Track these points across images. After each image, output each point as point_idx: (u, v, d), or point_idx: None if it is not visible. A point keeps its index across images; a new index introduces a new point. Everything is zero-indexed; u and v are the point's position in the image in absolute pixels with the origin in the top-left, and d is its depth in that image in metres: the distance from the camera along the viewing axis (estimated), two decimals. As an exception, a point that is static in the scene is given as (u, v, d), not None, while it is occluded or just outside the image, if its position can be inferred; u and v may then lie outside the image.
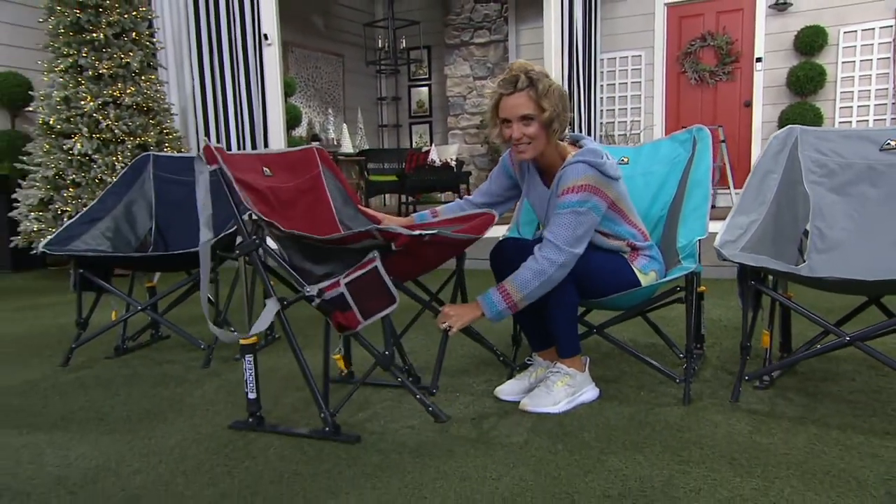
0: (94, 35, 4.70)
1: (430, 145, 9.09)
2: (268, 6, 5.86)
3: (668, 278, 2.02)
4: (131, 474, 1.66)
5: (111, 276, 2.72)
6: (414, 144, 10.17)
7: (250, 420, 1.93)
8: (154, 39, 5.20)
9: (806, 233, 2.19)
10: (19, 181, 4.93)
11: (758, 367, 2.18)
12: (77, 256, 2.54)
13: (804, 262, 2.14)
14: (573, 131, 6.86)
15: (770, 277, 2.10)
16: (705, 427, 1.82)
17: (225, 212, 2.68)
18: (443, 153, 8.63)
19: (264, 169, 1.97)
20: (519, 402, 2.04)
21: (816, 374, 2.28)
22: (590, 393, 2.08)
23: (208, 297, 2.81)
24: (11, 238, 4.87)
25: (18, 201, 4.76)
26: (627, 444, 1.73)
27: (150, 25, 5.20)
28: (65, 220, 4.57)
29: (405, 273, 1.98)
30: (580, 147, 2.00)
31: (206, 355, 2.59)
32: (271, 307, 1.81)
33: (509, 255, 2.06)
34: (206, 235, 1.85)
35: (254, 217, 1.81)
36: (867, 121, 6.87)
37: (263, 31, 5.88)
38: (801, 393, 2.08)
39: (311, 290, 1.75)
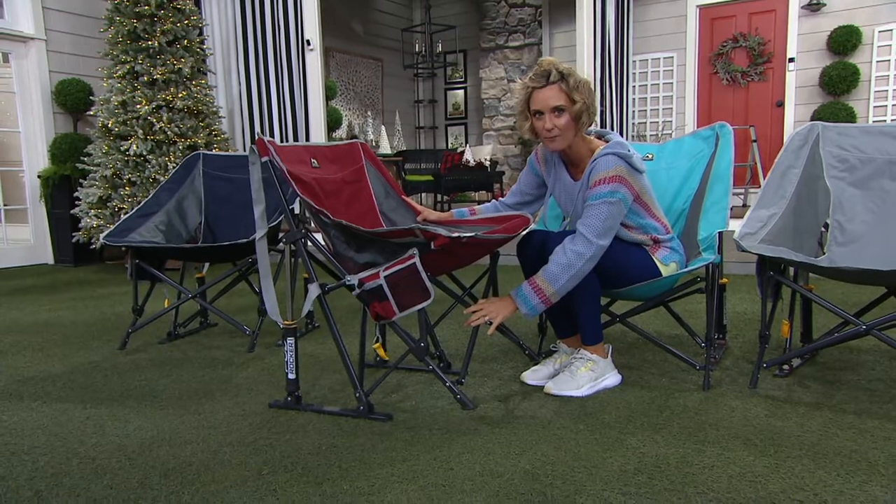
0: (150, 43, 4.97)
1: (466, 146, 9.21)
2: (310, 13, 6.07)
3: (687, 269, 2.10)
4: (183, 444, 1.82)
5: (164, 267, 2.91)
6: (449, 145, 10.32)
7: (289, 399, 2.07)
8: (204, 46, 5.44)
9: (826, 226, 2.23)
10: (80, 180, 5.24)
11: (779, 356, 2.23)
12: (133, 247, 2.73)
13: (824, 254, 2.18)
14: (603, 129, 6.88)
15: (790, 269, 2.15)
16: (722, 411, 1.89)
17: (269, 204, 2.86)
18: (477, 153, 8.75)
19: (312, 160, 2.11)
20: (543, 386, 2.14)
21: (836, 363, 2.32)
22: (612, 379, 2.17)
23: (251, 286, 3.00)
24: (73, 234, 5.17)
25: (80, 199, 5.06)
26: (646, 426, 1.81)
27: (201, 33, 5.45)
28: (121, 216, 4.84)
29: (440, 268, 2.10)
30: (607, 141, 2.10)
31: (251, 340, 2.76)
32: (313, 292, 1.95)
33: (536, 247, 2.16)
34: (261, 230, 1.99)
35: (302, 206, 1.94)
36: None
37: (306, 37, 6.09)
38: (820, 381, 2.13)
39: (352, 279, 1.88)
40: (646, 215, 2.14)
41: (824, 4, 6.93)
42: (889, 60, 6.74)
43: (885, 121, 6.84)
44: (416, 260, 1.83)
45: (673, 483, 1.48)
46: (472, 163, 8.02)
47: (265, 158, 1.98)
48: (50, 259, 5.83)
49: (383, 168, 2.44)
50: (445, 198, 8.15)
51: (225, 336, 3.06)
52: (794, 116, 7.26)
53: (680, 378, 2.21)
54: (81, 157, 5.23)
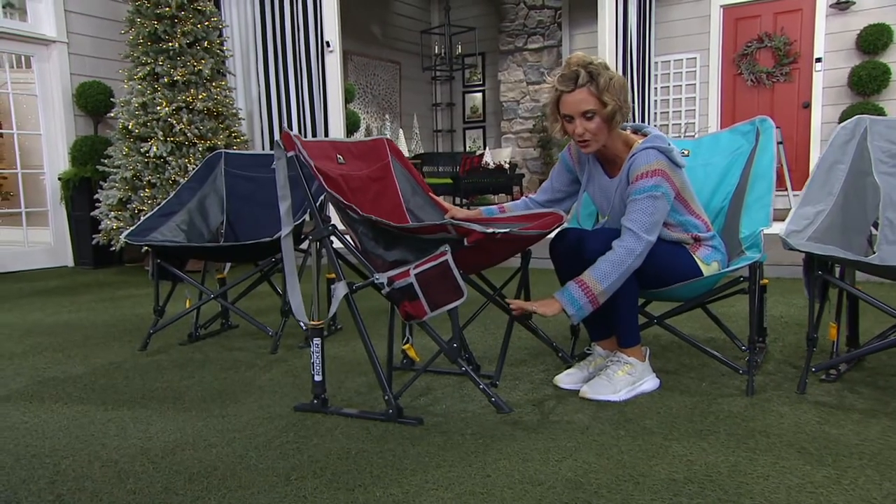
0: (170, 44, 4.95)
1: (484, 149, 9.15)
2: (330, 15, 6.04)
3: (731, 268, 2.01)
4: (207, 447, 1.76)
5: (185, 268, 2.86)
6: (467, 149, 10.27)
7: (315, 401, 2.00)
8: (224, 48, 5.43)
9: (876, 224, 2.13)
10: (100, 183, 5.22)
11: (824, 361, 2.13)
12: (155, 246, 2.68)
13: (874, 253, 2.08)
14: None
15: (836, 269, 2.05)
16: (771, 417, 1.80)
17: (294, 202, 2.80)
18: (496, 156, 8.69)
19: (338, 156, 2.05)
20: (578, 390, 2.06)
21: (885, 368, 2.21)
22: (650, 383, 2.08)
23: (273, 287, 2.93)
24: (93, 236, 5.15)
25: (100, 201, 5.04)
26: (691, 432, 1.72)
27: (220, 34, 5.43)
28: (141, 218, 4.81)
29: (470, 266, 2.02)
30: (644, 135, 2.01)
31: (274, 342, 2.70)
32: (340, 291, 1.88)
33: (570, 245, 2.08)
34: (286, 228, 1.93)
35: (326, 203, 1.88)
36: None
37: (325, 38, 6.06)
38: (871, 386, 2.03)
39: (381, 277, 1.81)
40: (686, 212, 2.05)
41: (853, 3, 6.80)
42: (921, 60, 6.60)
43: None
44: (448, 257, 1.75)
45: (727, 493, 1.39)
46: (491, 165, 7.95)
47: (291, 153, 1.92)
48: (70, 261, 5.83)
49: (410, 165, 2.37)
50: (465, 200, 8.08)
51: (247, 338, 3.00)
52: (822, 118, 7.12)
53: (721, 383, 2.12)
54: (102, 160, 5.22)
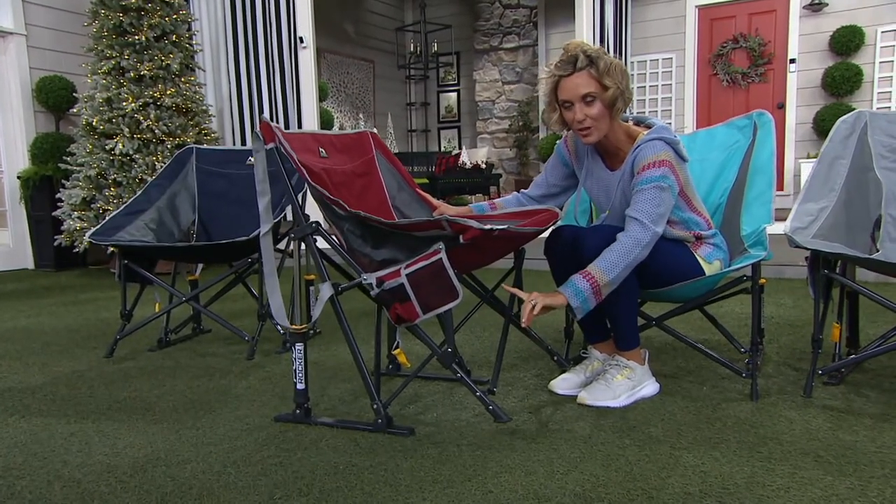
0: (137, 38, 4.75)
1: (460, 149, 9.06)
2: (303, 10, 5.88)
3: (735, 267, 1.93)
4: (181, 464, 1.61)
5: (154, 269, 2.70)
6: (442, 148, 10.17)
7: (297, 412, 1.87)
8: (193, 42, 5.23)
9: (878, 220, 2.07)
10: (63, 181, 4.99)
11: (825, 363, 2.06)
12: (122, 246, 2.52)
13: (877, 250, 2.02)
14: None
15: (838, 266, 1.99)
16: (780, 423, 1.72)
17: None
18: (473, 156, 8.60)
19: (320, 150, 1.92)
20: (575, 396, 1.96)
21: (888, 370, 2.15)
22: (650, 387, 1.99)
23: (249, 289, 2.77)
24: (55, 237, 4.91)
25: (62, 201, 4.81)
26: (699, 440, 1.63)
27: (189, 28, 5.24)
28: (106, 218, 4.60)
29: (462, 266, 1.91)
30: (648, 127, 1.92)
31: (251, 347, 2.55)
32: (325, 293, 1.75)
33: (566, 243, 1.98)
34: (266, 225, 1.80)
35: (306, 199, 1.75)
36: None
37: (299, 33, 5.90)
38: (877, 389, 1.97)
39: (369, 278, 1.69)
40: (688, 209, 1.96)
41: (826, 4, 6.85)
42: (892, 61, 6.68)
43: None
44: (443, 255, 1.64)
45: (748, 507, 1.30)
46: (468, 165, 7.85)
47: (270, 145, 1.78)
48: (30, 264, 5.57)
49: (395, 160, 2.25)
50: (441, 200, 7.98)
51: (220, 342, 2.85)
52: (796, 118, 7.17)
53: (723, 386, 2.04)
54: (64, 157, 4.98)
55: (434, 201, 2.17)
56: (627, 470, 1.48)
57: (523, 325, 1.73)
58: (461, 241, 1.62)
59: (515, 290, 1.85)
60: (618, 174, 1.94)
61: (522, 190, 2.22)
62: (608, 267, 1.78)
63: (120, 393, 2.18)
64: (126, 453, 1.69)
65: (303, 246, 1.98)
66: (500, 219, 2.06)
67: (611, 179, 1.98)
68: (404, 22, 10.07)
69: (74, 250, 4.82)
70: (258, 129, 1.78)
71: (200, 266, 2.95)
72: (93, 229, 2.51)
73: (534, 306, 1.72)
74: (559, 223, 2.10)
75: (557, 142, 2.16)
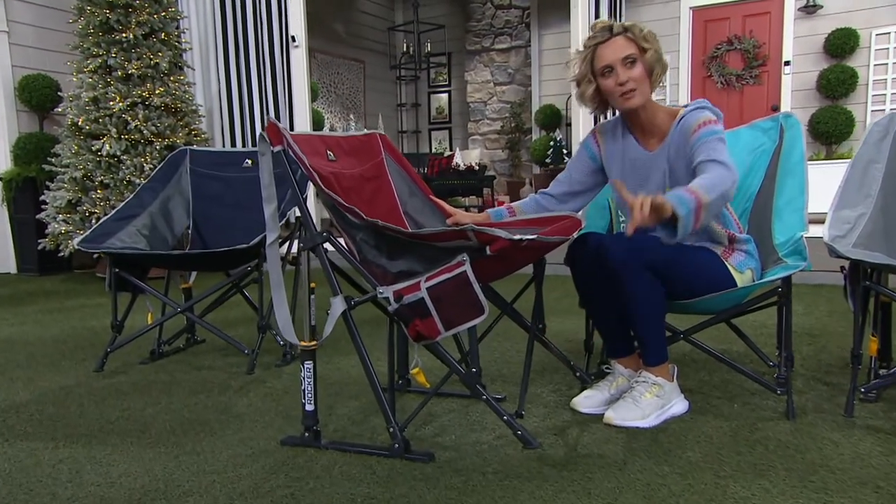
0: (124, 35, 4.58)
1: (455, 150, 8.95)
2: (295, 8, 5.74)
3: (772, 277, 1.82)
4: (182, 496, 1.48)
5: (147, 276, 2.56)
6: (433, 150, 10.05)
7: (306, 434, 1.74)
8: (182, 40, 5.07)
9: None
10: (47, 183, 4.80)
11: (860, 377, 1.95)
12: (113, 254, 2.37)
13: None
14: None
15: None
16: (826, 447, 1.61)
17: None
18: (465, 158, 8.49)
19: (328, 152, 1.79)
20: (600, 414, 1.84)
21: (925, 386, 2.06)
22: (680, 405, 1.88)
23: (247, 298, 2.62)
24: (39, 240, 4.73)
25: (46, 203, 4.63)
26: (743, 467, 1.52)
27: (178, 26, 5.08)
28: (93, 221, 4.44)
29: (484, 277, 1.79)
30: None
31: (251, 361, 2.41)
32: (338, 307, 1.62)
33: (591, 251, 1.86)
34: (272, 234, 1.67)
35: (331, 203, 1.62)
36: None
37: (291, 32, 5.76)
38: (919, 407, 1.87)
39: (385, 291, 1.56)
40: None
41: (821, 6, 6.81)
42: (886, 64, 6.65)
43: (883, 125, 6.73)
44: (467, 267, 1.51)
45: (812, 547, 1.19)
46: (462, 167, 7.73)
47: (278, 148, 1.65)
48: (12, 268, 5.38)
49: (406, 163, 2.12)
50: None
51: (216, 354, 2.71)
52: (792, 121, 7.12)
53: (754, 403, 1.93)
54: (48, 158, 4.80)
55: (448, 208, 2.05)
56: (673, 503, 1.37)
57: (629, 234, 1.57)
58: (488, 252, 1.50)
59: (619, 185, 1.69)
60: (653, 155, 1.87)
61: (541, 190, 2.10)
62: (707, 188, 1.61)
63: (112, 412, 2.04)
64: (121, 483, 1.55)
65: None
66: (521, 226, 1.94)
67: (648, 160, 1.90)
68: (395, 22, 9.94)
69: (59, 254, 4.64)
70: (264, 130, 1.66)
71: (194, 273, 2.80)
72: (82, 236, 2.36)
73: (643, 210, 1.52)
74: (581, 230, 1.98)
75: (584, 138, 2.06)
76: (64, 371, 2.50)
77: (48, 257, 5.07)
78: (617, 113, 2.00)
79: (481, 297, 1.52)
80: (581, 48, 1.89)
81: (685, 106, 1.87)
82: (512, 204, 2.09)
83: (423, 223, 2.06)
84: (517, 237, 1.47)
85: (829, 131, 6.68)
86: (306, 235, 1.66)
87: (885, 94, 6.69)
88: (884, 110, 6.68)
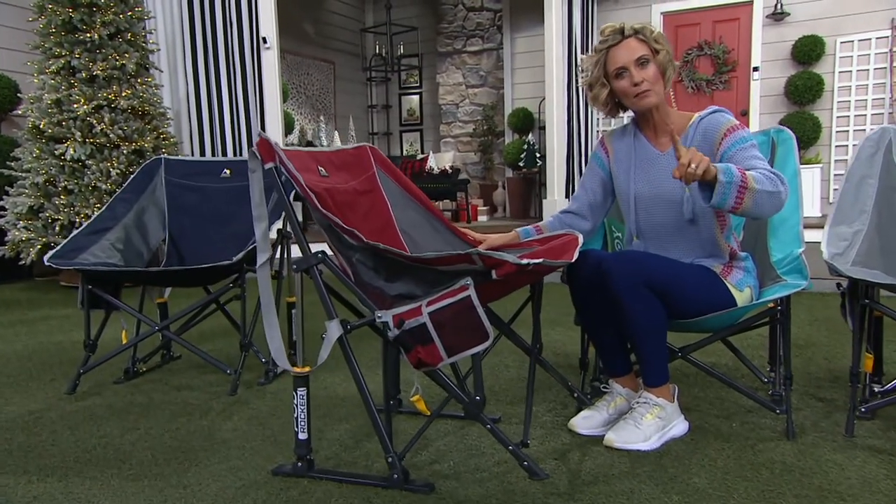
0: (88, 35, 4.41)
1: (429, 153, 8.88)
2: (266, 8, 5.62)
3: (773, 296, 1.80)
4: (170, 533, 1.39)
5: (121, 292, 2.44)
6: (405, 152, 9.97)
7: (299, 464, 1.66)
8: (149, 41, 4.91)
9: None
10: (6, 188, 4.60)
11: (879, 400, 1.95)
12: (87, 271, 2.25)
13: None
14: (578, 138, 6.72)
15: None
16: (831, 470, 1.59)
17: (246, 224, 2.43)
18: (439, 161, 8.43)
19: (319, 168, 1.72)
20: (599, 436, 1.81)
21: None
22: (680, 426, 1.85)
23: (229, 316, 2.51)
24: (-3, 248, 4.53)
25: (5, 209, 4.43)
26: (753, 494, 1.49)
27: (145, 26, 4.92)
28: (56, 228, 4.26)
29: (484, 299, 1.74)
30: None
31: (234, 381, 2.31)
32: (334, 332, 1.55)
33: (590, 268, 1.82)
34: (264, 254, 1.59)
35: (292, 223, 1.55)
36: (864, 130, 6.82)
37: (262, 33, 5.62)
38: (915, 424, 1.88)
39: (384, 316, 1.50)
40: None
41: (788, 14, 6.93)
42: (850, 71, 6.80)
43: (847, 132, 6.88)
44: (472, 292, 1.46)
45: (835, 582, 1.16)
46: (436, 170, 7.67)
47: (269, 165, 1.58)
48: (-31, 277, 5.14)
49: (400, 175, 2.06)
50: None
51: (194, 372, 2.60)
52: (759, 126, 7.24)
53: (751, 422, 1.92)
54: (7, 162, 4.60)
55: (476, 236, 1.99)
56: (687, 534, 1.33)
57: (675, 176, 1.54)
58: (494, 276, 1.44)
59: (676, 139, 1.61)
60: (667, 155, 1.87)
61: (562, 209, 2.07)
62: (758, 180, 1.58)
63: (88, 439, 1.93)
64: (103, 522, 1.45)
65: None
66: (522, 247, 1.89)
67: (658, 159, 1.88)
68: (365, 24, 9.83)
69: (20, 262, 4.45)
70: (254, 147, 1.57)
71: (170, 288, 2.69)
72: (52, 251, 2.24)
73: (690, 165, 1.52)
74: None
75: (594, 150, 2.03)
76: (32, 393, 2.37)
77: (8, 265, 4.85)
78: (625, 120, 1.98)
79: (486, 321, 1.47)
80: (593, 55, 1.87)
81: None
82: (538, 224, 2.04)
83: (419, 238, 1.99)
84: (524, 262, 1.42)
85: (798, 136, 6.81)
86: (301, 256, 1.58)
87: (848, 101, 6.84)
88: (847, 117, 6.83)
